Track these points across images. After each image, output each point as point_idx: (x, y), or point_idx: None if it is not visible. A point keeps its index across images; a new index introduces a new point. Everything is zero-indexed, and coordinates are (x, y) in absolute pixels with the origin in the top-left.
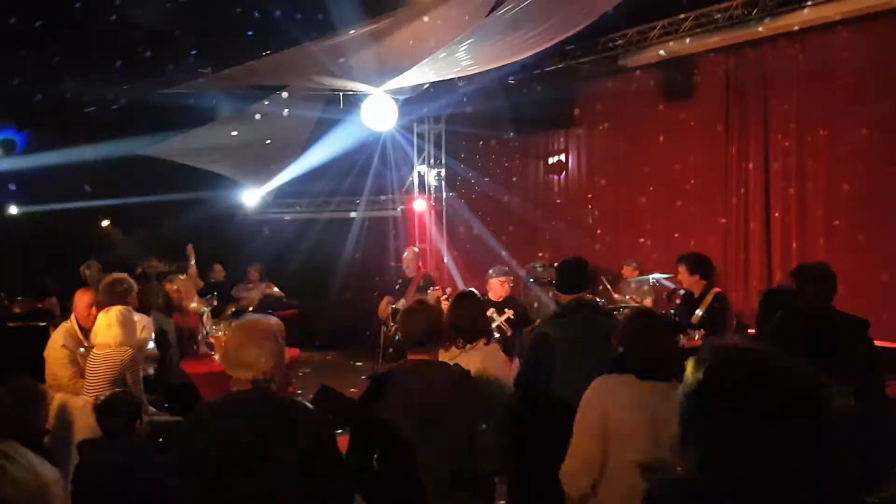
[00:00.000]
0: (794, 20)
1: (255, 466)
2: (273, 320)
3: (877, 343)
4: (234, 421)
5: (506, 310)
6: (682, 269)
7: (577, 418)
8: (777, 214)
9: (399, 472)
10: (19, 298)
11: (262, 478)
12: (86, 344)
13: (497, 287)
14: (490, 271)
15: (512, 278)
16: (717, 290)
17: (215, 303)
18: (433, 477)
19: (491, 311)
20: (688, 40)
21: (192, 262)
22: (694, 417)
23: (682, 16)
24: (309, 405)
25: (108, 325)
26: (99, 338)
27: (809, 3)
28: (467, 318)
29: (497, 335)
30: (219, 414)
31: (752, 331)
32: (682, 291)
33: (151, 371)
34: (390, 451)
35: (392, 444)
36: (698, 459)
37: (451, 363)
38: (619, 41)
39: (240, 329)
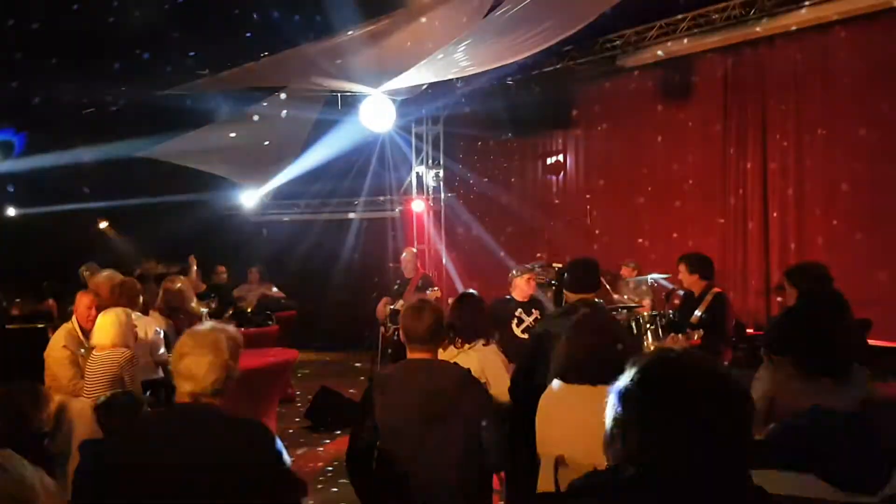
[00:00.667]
0: (791, 20)
1: (180, 487)
2: (228, 331)
3: (876, 342)
4: (161, 437)
5: (533, 310)
6: (682, 268)
7: None
8: (775, 214)
9: (401, 472)
10: (18, 300)
11: (199, 496)
12: (86, 345)
13: (523, 286)
14: (513, 270)
15: (535, 274)
16: (717, 290)
17: (213, 305)
18: (436, 477)
19: (519, 312)
20: (686, 41)
21: (194, 268)
22: (620, 414)
23: (679, 16)
24: (256, 422)
25: (106, 327)
26: (97, 339)
27: (807, 3)
28: (466, 319)
29: (525, 336)
30: (150, 428)
31: (751, 330)
32: (680, 291)
33: (162, 374)
34: (392, 452)
35: (394, 444)
36: (620, 454)
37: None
38: (617, 42)
39: (187, 338)
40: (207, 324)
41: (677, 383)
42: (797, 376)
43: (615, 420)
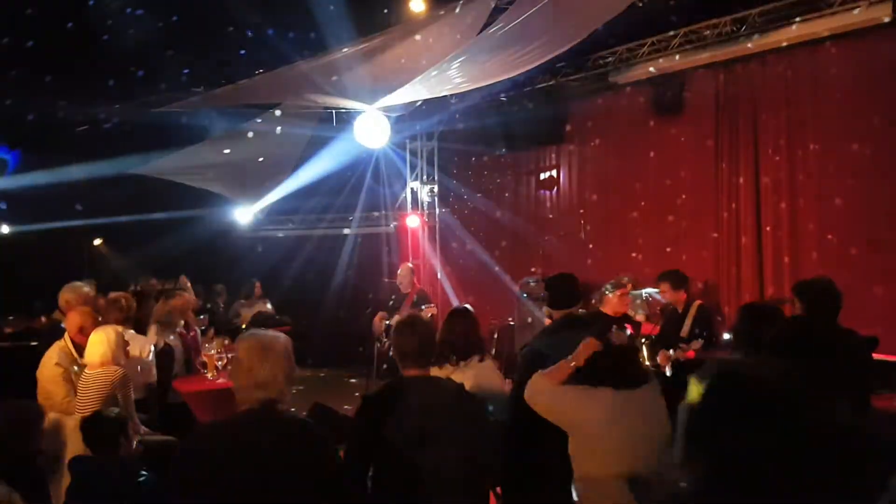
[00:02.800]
0: (782, 36)
1: (268, 487)
2: (283, 336)
3: (872, 356)
4: (244, 441)
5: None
6: (665, 286)
7: None
8: (768, 229)
9: (398, 490)
10: (10, 318)
11: (275, 499)
12: (80, 362)
13: (615, 303)
14: (606, 285)
15: (626, 290)
16: (698, 302)
17: (203, 327)
18: (434, 493)
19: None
20: (677, 57)
21: (188, 286)
22: (699, 431)
23: (671, 33)
24: (311, 421)
25: (98, 345)
26: (90, 357)
27: (798, 19)
28: (460, 335)
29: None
30: (227, 434)
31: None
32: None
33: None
34: (389, 470)
35: (391, 463)
36: (705, 472)
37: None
38: (609, 58)
39: (256, 346)
40: (265, 332)
41: (753, 396)
42: None
43: (690, 433)
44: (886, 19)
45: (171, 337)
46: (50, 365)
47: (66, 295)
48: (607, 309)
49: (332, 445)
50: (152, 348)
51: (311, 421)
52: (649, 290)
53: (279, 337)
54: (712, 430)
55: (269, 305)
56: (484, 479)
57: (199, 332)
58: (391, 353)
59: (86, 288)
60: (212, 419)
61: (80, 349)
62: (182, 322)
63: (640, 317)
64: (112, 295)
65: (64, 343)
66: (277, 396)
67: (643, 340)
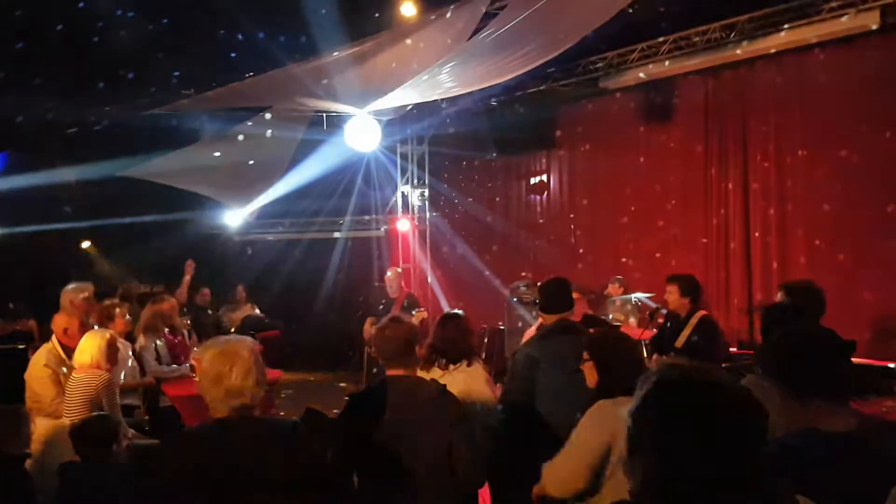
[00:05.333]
0: (771, 43)
1: (251, 492)
2: (249, 341)
3: (858, 361)
4: (225, 446)
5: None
6: (672, 289)
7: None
8: (757, 234)
9: (380, 488)
10: None
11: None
12: (68, 363)
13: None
14: None
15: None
16: (702, 312)
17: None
18: (413, 492)
19: None
20: (667, 63)
21: (188, 277)
22: (638, 434)
23: (661, 39)
24: (293, 421)
25: (86, 348)
26: (78, 359)
27: (786, 26)
28: (449, 340)
29: None
30: (207, 440)
31: (734, 349)
32: (664, 311)
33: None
34: (372, 468)
35: (373, 461)
36: (642, 476)
37: None
38: (600, 64)
39: (221, 355)
40: (230, 337)
41: (692, 399)
42: (790, 397)
43: (630, 441)
44: (874, 26)
45: (158, 342)
46: (38, 367)
47: (67, 296)
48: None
49: (318, 447)
50: (130, 353)
51: (300, 422)
52: (639, 294)
53: (244, 341)
54: (647, 432)
55: (257, 310)
56: (464, 479)
57: (185, 335)
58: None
59: (86, 291)
60: (198, 423)
61: (67, 351)
62: (168, 327)
63: (631, 321)
64: (106, 302)
65: (52, 345)
66: (252, 402)
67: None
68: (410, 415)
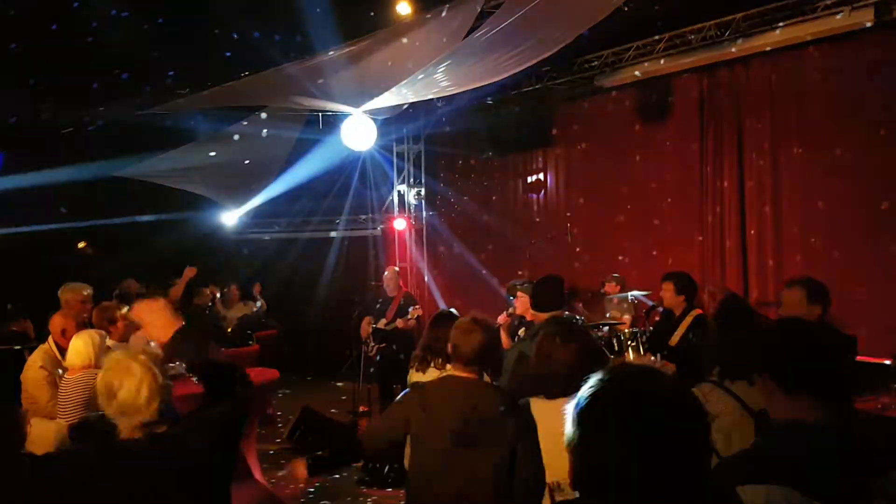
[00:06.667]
0: (766, 41)
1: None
2: (148, 355)
3: (855, 358)
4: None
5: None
6: (668, 286)
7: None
8: (753, 232)
9: (430, 490)
10: None
11: None
12: (64, 365)
13: (523, 302)
14: (514, 282)
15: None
16: (697, 311)
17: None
18: (465, 499)
19: None
20: (662, 61)
21: (187, 276)
22: (572, 433)
23: (656, 37)
24: (204, 422)
25: (79, 349)
26: (69, 361)
27: (781, 24)
28: (443, 339)
29: None
30: (105, 470)
31: None
32: (660, 308)
33: None
34: (423, 468)
35: (426, 461)
36: (578, 472)
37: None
38: (595, 62)
39: (110, 370)
40: (118, 353)
41: (626, 399)
42: (780, 391)
43: (569, 440)
44: (869, 24)
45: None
46: (34, 368)
47: (65, 295)
48: (518, 308)
49: (219, 451)
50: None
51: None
52: (635, 292)
53: (138, 357)
54: (583, 429)
55: (254, 308)
56: (517, 493)
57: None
58: (378, 357)
59: (86, 291)
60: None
61: (64, 352)
62: None
63: (626, 319)
64: (104, 304)
65: (48, 346)
66: (151, 418)
67: (629, 343)
68: (477, 420)
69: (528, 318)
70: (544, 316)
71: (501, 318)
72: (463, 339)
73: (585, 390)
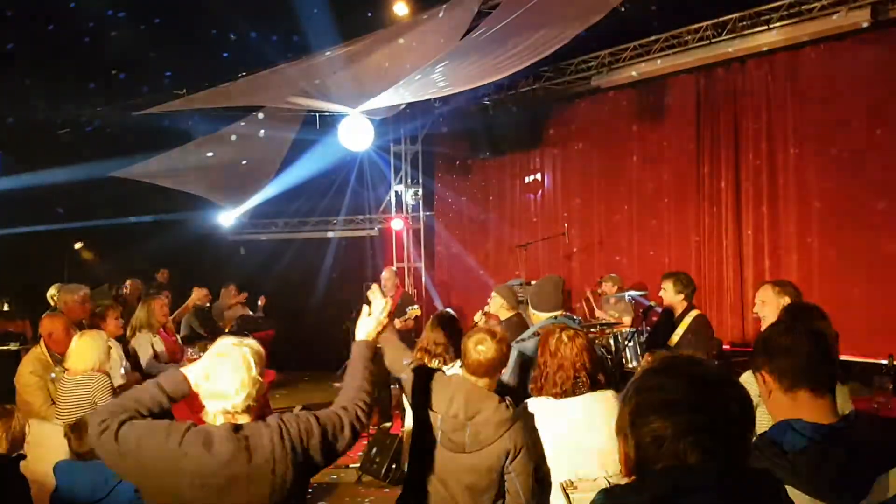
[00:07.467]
0: (762, 41)
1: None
2: (249, 344)
3: (850, 357)
4: (206, 457)
5: None
6: (667, 286)
7: None
8: (749, 232)
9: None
10: None
11: None
12: (55, 369)
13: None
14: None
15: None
16: (697, 311)
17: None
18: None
19: None
20: (659, 61)
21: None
22: (629, 417)
23: (653, 37)
24: (286, 422)
25: (80, 350)
26: (71, 362)
27: (777, 24)
28: (442, 344)
29: None
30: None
31: (726, 346)
32: (658, 308)
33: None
34: (421, 467)
35: (424, 460)
36: (632, 456)
37: None
38: (592, 62)
39: (215, 357)
40: (228, 339)
41: (682, 383)
42: (777, 389)
43: (621, 426)
44: (865, 24)
45: (155, 340)
46: (25, 373)
47: (63, 296)
48: (492, 307)
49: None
50: (121, 354)
51: (281, 423)
52: (632, 292)
53: (241, 345)
54: (634, 417)
55: (249, 311)
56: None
57: (178, 336)
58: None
59: (82, 291)
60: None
61: (54, 356)
62: (162, 325)
63: (625, 319)
64: (99, 306)
65: (39, 350)
66: (238, 407)
67: (627, 342)
68: (464, 427)
69: (502, 317)
70: (544, 316)
71: (477, 317)
72: (473, 350)
73: (638, 378)
